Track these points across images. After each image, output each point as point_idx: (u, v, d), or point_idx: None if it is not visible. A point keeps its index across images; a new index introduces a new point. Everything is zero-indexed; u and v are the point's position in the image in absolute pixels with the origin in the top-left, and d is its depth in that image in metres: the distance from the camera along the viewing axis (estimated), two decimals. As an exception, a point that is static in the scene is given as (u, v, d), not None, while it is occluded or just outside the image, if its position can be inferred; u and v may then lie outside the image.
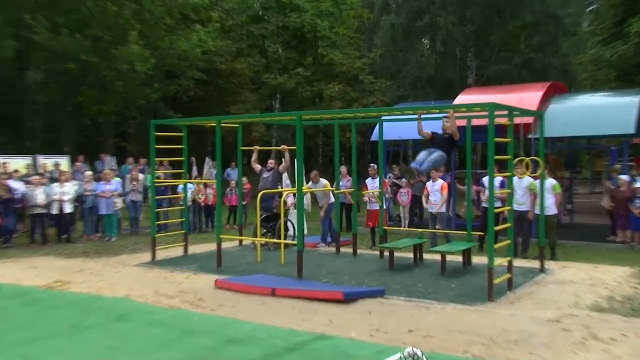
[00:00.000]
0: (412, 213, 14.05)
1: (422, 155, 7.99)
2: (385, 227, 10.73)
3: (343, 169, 12.29)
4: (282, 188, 12.69)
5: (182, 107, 26.07)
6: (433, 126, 14.22)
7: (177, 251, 10.55)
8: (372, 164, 11.25)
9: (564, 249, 10.42)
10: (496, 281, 6.97)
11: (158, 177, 12.91)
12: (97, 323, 6.05)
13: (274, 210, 10.73)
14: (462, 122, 10.09)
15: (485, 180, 10.57)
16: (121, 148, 25.25)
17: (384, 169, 10.64)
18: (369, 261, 9.55)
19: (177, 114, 22.36)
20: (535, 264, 8.80)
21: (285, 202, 10.29)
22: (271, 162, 11.11)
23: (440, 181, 10.56)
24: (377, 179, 11.10)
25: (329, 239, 11.59)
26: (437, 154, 7.85)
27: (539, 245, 8.66)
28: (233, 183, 15.27)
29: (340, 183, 11.30)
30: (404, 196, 13.61)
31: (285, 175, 13.15)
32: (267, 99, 25.41)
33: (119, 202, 13.16)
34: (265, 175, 10.95)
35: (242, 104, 23.28)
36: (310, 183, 11.44)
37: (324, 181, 11.36)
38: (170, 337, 5.56)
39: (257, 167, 11.23)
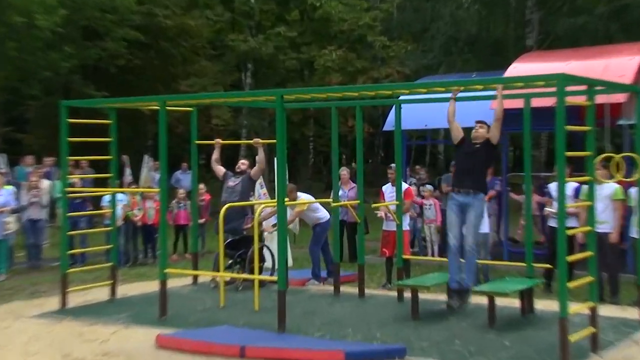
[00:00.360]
0: (443, 235, 14.09)
1: (452, 218, 7.99)
2: (406, 257, 10.70)
3: (344, 172, 12.29)
4: (255, 200, 12.64)
5: (108, 81, 26.02)
6: (476, 112, 14.22)
7: (100, 293, 10.47)
8: (392, 165, 11.25)
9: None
10: (573, 338, 6.92)
11: (72, 185, 12.84)
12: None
13: (244, 233, 10.69)
14: (517, 103, 10.09)
15: (553, 187, 10.59)
16: (15, 141, 25.10)
17: (402, 171, 10.63)
18: (383, 306, 9.51)
19: (102, 93, 22.30)
20: (633, 313, 8.78)
21: (260, 222, 10.24)
22: (243, 164, 11.07)
23: None
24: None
25: (323, 274, 11.56)
26: (473, 214, 7.79)
27: (638, 285, 8.65)
28: (182, 192, 15.24)
29: (340, 192, 11.29)
30: (430, 211, 13.65)
31: (260, 183, 13.12)
32: (234, 70, 25.42)
33: (11, 222, 13.05)
34: (231, 182, 10.93)
35: (198, 77, 23.30)
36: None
37: (302, 196, 11.38)
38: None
39: (220, 170, 11.20)
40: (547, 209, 10.58)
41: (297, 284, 11.14)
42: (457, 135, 8.19)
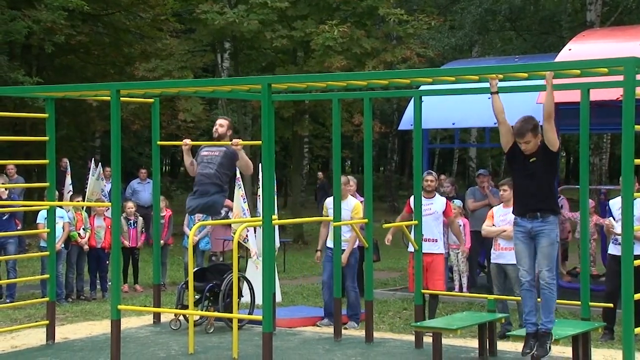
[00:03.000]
0: (473, 264, 14.14)
1: (521, 248, 8.10)
2: (427, 291, 10.75)
3: (344, 182, 12.25)
4: (238, 217, 12.69)
5: (43, 64, 26.09)
6: (518, 107, 14.28)
7: (33, 337, 10.49)
8: (430, 171, 11.33)
9: None
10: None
11: (-1, 197, 12.89)
12: None
13: (223, 213, 10.64)
14: (572, 96, 10.16)
15: (615, 204, 10.63)
16: None
17: (421, 181, 10.69)
18: (396, 354, 9.54)
19: (35, 79, 22.37)
20: None
21: (239, 243, 10.28)
22: (221, 125, 10.86)
23: None
24: (435, 199, 11.32)
25: (319, 312, 11.61)
26: (545, 241, 7.94)
27: None
28: (131, 206, 15.27)
29: (344, 206, 11.32)
30: (458, 234, 13.75)
31: (242, 195, 13.18)
32: (208, 51, 25.49)
33: None
34: (205, 152, 10.66)
35: (161, 60, 23.35)
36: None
37: (354, 200, 11.42)
38: None
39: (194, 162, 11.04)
40: (610, 232, 10.63)
41: (286, 324, 11.16)
42: (508, 140, 8.19)
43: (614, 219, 10.52)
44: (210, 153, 10.24)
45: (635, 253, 9.63)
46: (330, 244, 11.33)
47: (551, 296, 8.01)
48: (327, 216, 11.27)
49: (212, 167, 10.05)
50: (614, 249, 10.47)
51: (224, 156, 10.10)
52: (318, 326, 11.36)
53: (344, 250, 11.19)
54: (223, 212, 12.43)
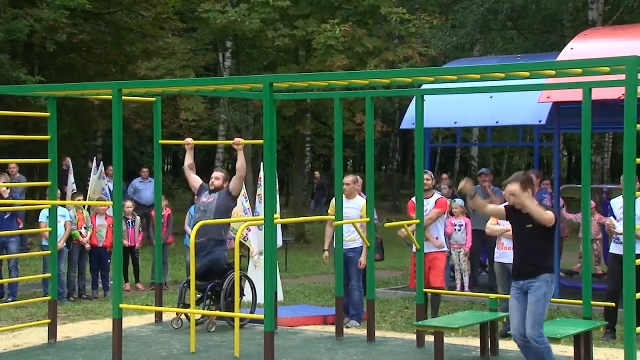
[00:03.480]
0: (474, 263, 14.15)
1: (513, 304, 8.09)
2: (429, 289, 10.76)
3: (348, 179, 12.24)
4: (240, 216, 12.69)
5: (45, 62, 26.09)
6: (521, 105, 14.23)
7: (35, 335, 10.51)
8: (427, 171, 11.32)
9: None
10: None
11: None
12: None
13: (227, 267, 10.74)
14: (574, 95, 10.16)
15: (617, 203, 10.64)
16: None
17: (422, 180, 10.68)
18: (398, 353, 9.56)
19: (37, 77, 22.39)
20: None
21: (241, 242, 10.29)
22: (217, 178, 11.03)
23: None
24: (432, 199, 11.29)
25: (329, 311, 11.62)
26: (532, 298, 7.88)
27: None
28: (129, 205, 15.29)
29: (346, 205, 11.32)
30: (460, 233, 13.73)
31: (243, 194, 13.18)
32: (210, 49, 25.50)
33: None
34: (204, 198, 10.95)
35: (163, 58, 23.38)
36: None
37: (362, 199, 11.45)
38: None
39: (195, 180, 11.18)
40: (611, 231, 10.62)
41: (288, 323, 11.16)
42: (502, 211, 8.39)
43: (615, 218, 10.52)
44: (207, 200, 10.86)
45: (637, 252, 9.69)
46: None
47: (540, 351, 7.94)
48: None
49: (210, 216, 10.62)
50: (615, 248, 10.48)
51: (218, 201, 10.75)
52: (347, 327, 11.25)
53: (349, 248, 11.22)
54: None
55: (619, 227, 10.23)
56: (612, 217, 10.58)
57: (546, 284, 7.88)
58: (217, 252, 10.69)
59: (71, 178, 15.96)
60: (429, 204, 11.17)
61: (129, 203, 15.45)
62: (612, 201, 11.13)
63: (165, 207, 15.18)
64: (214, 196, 10.84)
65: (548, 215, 7.85)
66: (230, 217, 11.25)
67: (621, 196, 10.47)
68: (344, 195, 11.24)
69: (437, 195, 11.45)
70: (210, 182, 11.01)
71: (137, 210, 16.11)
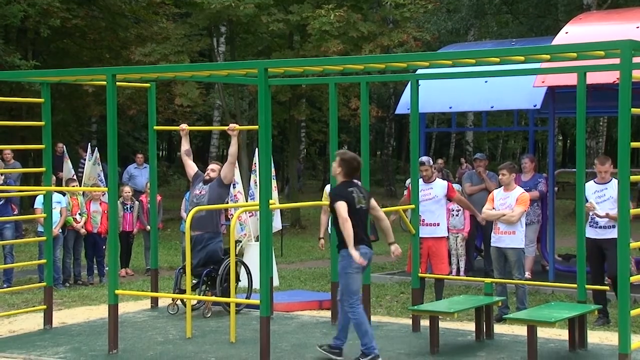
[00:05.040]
0: (470, 248, 14.18)
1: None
2: (425, 275, 10.77)
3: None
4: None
5: (39, 48, 26.00)
6: (516, 90, 14.21)
7: (31, 321, 10.54)
8: (425, 159, 11.30)
9: None
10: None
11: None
12: None
13: (224, 257, 10.75)
14: (569, 80, 10.16)
15: (590, 188, 10.41)
16: None
17: (418, 165, 10.69)
18: (394, 337, 9.61)
19: (31, 62, 22.31)
20: None
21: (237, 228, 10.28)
22: (213, 170, 10.98)
23: (517, 189, 10.66)
24: (435, 184, 11.31)
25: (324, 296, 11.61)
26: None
27: None
28: (127, 190, 15.28)
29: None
30: (458, 218, 13.75)
31: (237, 180, 13.19)
32: (204, 35, 25.44)
33: None
34: (197, 190, 10.92)
35: (157, 44, 23.30)
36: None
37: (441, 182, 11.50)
38: None
39: (192, 167, 11.16)
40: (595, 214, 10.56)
41: (284, 308, 11.20)
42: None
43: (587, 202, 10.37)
44: (200, 192, 10.85)
45: (615, 236, 9.72)
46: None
47: (352, 317, 8.34)
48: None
49: (203, 204, 10.61)
50: (591, 233, 10.37)
51: (210, 193, 10.72)
52: None
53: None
54: None
55: (599, 210, 10.26)
56: (592, 200, 10.48)
57: (343, 258, 8.31)
58: (212, 244, 10.70)
59: (69, 164, 15.92)
60: (432, 189, 11.17)
61: (127, 188, 15.45)
62: (586, 185, 10.79)
63: (157, 193, 15.17)
64: (206, 189, 10.81)
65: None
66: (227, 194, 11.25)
67: (592, 181, 10.52)
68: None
69: (440, 182, 11.40)
70: (205, 173, 10.98)
71: (133, 196, 16.09)
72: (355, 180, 8.63)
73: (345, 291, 8.33)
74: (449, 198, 11.48)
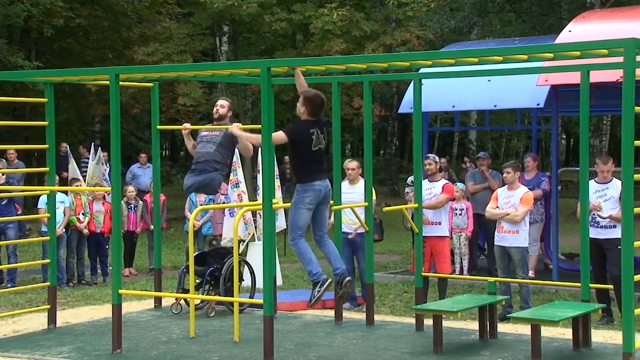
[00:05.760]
0: (473, 247, 14.16)
1: None
2: (428, 274, 10.77)
3: (353, 164, 12.22)
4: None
5: (42, 48, 26.01)
6: (520, 88, 14.18)
7: (35, 321, 10.54)
8: (430, 155, 11.28)
9: None
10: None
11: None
12: None
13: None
14: (572, 78, 10.15)
15: (591, 187, 10.34)
16: None
17: (421, 164, 10.68)
18: (397, 337, 9.59)
19: (34, 63, 22.33)
20: None
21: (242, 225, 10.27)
22: (222, 106, 10.73)
23: (521, 188, 10.64)
24: (440, 183, 11.28)
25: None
26: None
27: None
28: (132, 190, 15.27)
29: (350, 190, 11.32)
30: (460, 216, 13.74)
31: (240, 179, 13.18)
32: (207, 34, 25.46)
33: None
34: (205, 132, 10.66)
35: (160, 43, 23.34)
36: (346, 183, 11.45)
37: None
38: None
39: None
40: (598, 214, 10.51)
41: (287, 308, 11.19)
42: None
43: (590, 202, 10.31)
44: (210, 133, 10.25)
45: (615, 236, 9.68)
46: (345, 228, 11.25)
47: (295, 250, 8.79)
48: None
49: (212, 147, 10.06)
50: (592, 232, 10.30)
51: (224, 136, 10.07)
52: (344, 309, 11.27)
53: (347, 232, 11.23)
54: (222, 197, 12.41)
55: (604, 211, 10.24)
56: (599, 200, 10.44)
57: (297, 193, 8.57)
58: (213, 172, 10.08)
59: (73, 164, 15.92)
60: (434, 187, 11.16)
61: (131, 188, 15.45)
62: (591, 183, 10.73)
63: (161, 193, 15.17)
64: (219, 131, 10.22)
65: None
66: (230, 157, 10.90)
67: (593, 180, 10.49)
68: (347, 180, 11.32)
69: (443, 181, 11.42)
70: (214, 110, 10.40)
71: (137, 195, 16.09)
72: (322, 118, 8.67)
73: (292, 224, 8.57)
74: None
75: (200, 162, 10.03)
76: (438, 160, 11.56)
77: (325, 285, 8.44)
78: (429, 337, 9.04)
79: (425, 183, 10.96)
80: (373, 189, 11.29)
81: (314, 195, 8.52)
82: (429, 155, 11.33)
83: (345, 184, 11.25)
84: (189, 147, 10.76)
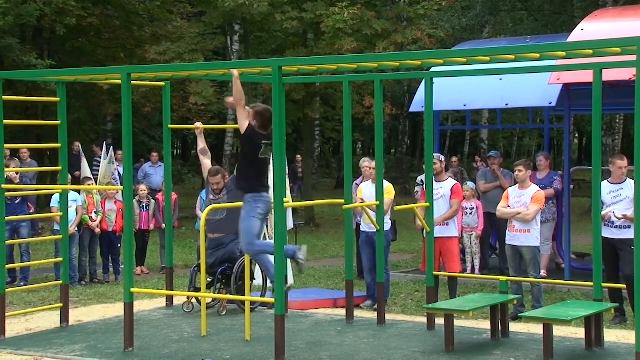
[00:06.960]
0: (484, 246, 14.14)
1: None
2: (439, 273, 10.75)
3: (366, 164, 12.21)
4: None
5: (54, 47, 26.09)
6: (532, 87, 14.16)
7: (47, 319, 10.57)
8: (435, 154, 11.25)
9: None
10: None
11: (9, 181, 12.92)
12: None
13: (235, 251, 10.73)
14: (584, 77, 10.11)
15: (605, 188, 10.28)
16: None
17: (432, 163, 10.65)
18: (408, 336, 9.59)
19: (47, 62, 22.39)
20: None
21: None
22: (217, 182, 10.80)
23: (532, 187, 10.61)
24: (447, 183, 11.27)
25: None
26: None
27: None
28: (143, 189, 15.29)
29: (370, 188, 11.29)
30: (471, 215, 13.72)
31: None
32: (218, 33, 25.48)
33: None
34: (212, 196, 10.83)
35: (172, 42, 23.36)
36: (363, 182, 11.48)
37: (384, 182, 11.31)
38: None
39: (208, 165, 11.08)
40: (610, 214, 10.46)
41: (299, 307, 11.20)
42: None
43: (604, 203, 10.26)
44: (215, 198, 10.76)
45: (629, 237, 9.62)
46: (365, 227, 11.28)
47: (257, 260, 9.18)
48: (361, 200, 11.19)
49: (222, 215, 10.65)
50: (606, 232, 10.26)
51: (228, 195, 10.63)
52: (362, 307, 11.26)
53: (365, 231, 11.29)
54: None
55: (617, 212, 10.19)
56: (613, 209, 10.37)
57: (247, 203, 8.87)
58: (231, 245, 10.69)
59: (85, 163, 15.96)
60: (442, 187, 11.14)
61: (143, 187, 15.47)
62: (604, 184, 10.67)
63: (173, 192, 15.19)
64: (220, 195, 10.72)
65: None
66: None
67: (607, 181, 10.43)
68: (369, 180, 11.33)
69: (452, 182, 11.37)
70: (212, 189, 10.83)
71: (149, 194, 16.12)
72: (271, 134, 8.61)
73: (247, 233, 8.81)
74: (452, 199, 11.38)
75: (217, 238, 10.77)
76: (443, 160, 11.54)
77: (300, 250, 8.80)
78: (441, 337, 9.05)
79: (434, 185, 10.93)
80: (392, 187, 11.35)
81: (264, 207, 8.93)
82: (433, 154, 11.27)
83: (367, 184, 11.33)
84: (199, 148, 10.83)
